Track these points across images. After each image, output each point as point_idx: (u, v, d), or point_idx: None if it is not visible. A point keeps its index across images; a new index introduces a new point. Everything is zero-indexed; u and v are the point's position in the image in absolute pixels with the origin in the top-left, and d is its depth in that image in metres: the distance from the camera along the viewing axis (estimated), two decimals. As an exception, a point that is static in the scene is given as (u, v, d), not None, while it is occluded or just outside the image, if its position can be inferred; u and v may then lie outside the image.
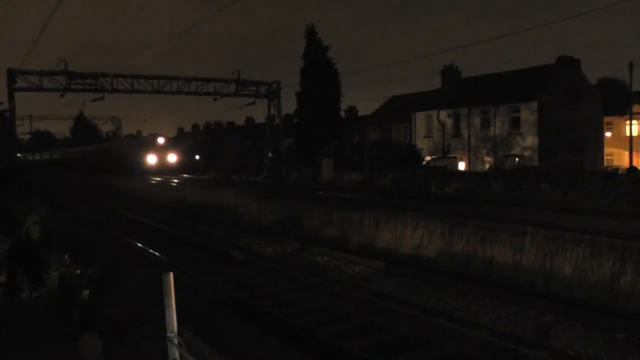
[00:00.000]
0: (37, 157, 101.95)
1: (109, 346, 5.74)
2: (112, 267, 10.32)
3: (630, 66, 36.90)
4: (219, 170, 48.20)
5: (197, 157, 57.05)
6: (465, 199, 21.78)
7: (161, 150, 50.38)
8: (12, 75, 38.53)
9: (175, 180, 39.24)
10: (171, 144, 52.79)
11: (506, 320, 7.57)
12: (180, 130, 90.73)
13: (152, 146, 50.53)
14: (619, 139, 46.81)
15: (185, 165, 51.79)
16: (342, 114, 50.90)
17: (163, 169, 47.73)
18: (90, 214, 21.84)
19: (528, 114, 38.62)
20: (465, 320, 7.56)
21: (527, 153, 38.07)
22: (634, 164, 37.92)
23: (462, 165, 41.44)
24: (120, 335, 6.57)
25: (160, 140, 51.68)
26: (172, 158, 50.64)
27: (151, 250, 12.82)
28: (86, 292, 6.63)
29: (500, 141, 40.23)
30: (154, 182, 38.34)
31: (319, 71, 45.72)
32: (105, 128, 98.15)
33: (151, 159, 49.18)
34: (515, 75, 42.08)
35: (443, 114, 44.57)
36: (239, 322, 7.70)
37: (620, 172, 28.26)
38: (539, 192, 20.83)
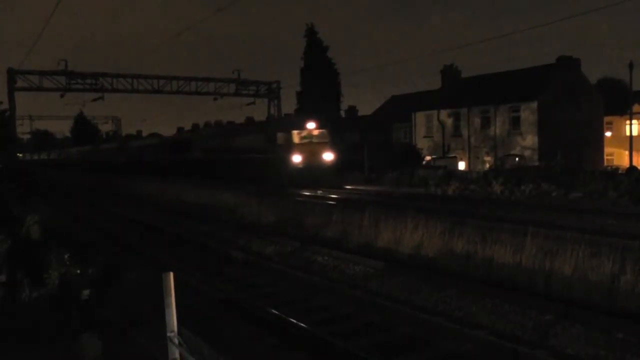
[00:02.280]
0: (52, 155, 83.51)
1: (109, 346, 5.74)
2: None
3: (630, 66, 36.89)
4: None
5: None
6: (465, 198, 21.78)
7: (312, 143, 28.02)
8: (12, 75, 38.60)
9: None
10: (327, 133, 29.50)
11: (506, 320, 7.56)
12: (181, 129, 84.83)
13: (294, 136, 28.09)
14: (619, 139, 46.81)
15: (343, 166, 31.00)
16: (342, 114, 50.97)
17: (313, 173, 26.99)
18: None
19: (528, 114, 38.63)
20: (465, 320, 7.56)
21: (527, 153, 38.07)
22: (634, 163, 37.90)
23: (462, 165, 41.44)
24: (120, 335, 6.57)
25: (311, 126, 28.51)
26: (328, 156, 28.13)
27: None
28: (86, 292, 6.63)
29: (500, 141, 40.23)
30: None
31: (319, 71, 45.80)
32: (105, 128, 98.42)
33: (296, 158, 27.07)
34: (515, 75, 42.09)
35: (443, 114, 44.58)
36: (238, 321, 7.70)
37: (620, 172, 28.23)
38: (539, 192, 20.82)
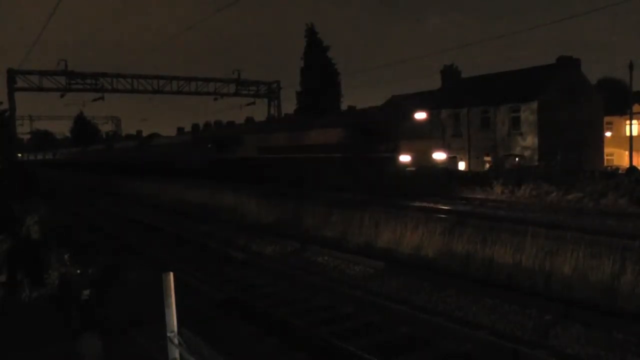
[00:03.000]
0: (59, 155, 76.68)
1: (109, 346, 5.74)
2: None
3: (630, 66, 36.90)
4: None
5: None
6: (465, 198, 21.76)
7: (420, 139, 22.03)
8: (12, 75, 38.62)
9: None
10: (434, 126, 23.96)
11: (506, 320, 7.57)
12: (181, 129, 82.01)
13: (400, 131, 21.72)
14: (619, 139, 46.81)
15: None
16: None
17: (424, 176, 21.14)
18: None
19: (528, 114, 38.63)
20: (465, 320, 7.56)
21: (527, 153, 38.07)
22: (634, 164, 37.92)
23: (462, 165, 41.45)
24: (120, 335, 6.57)
25: (421, 116, 22.61)
26: (439, 155, 22.45)
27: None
28: (86, 292, 6.63)
29: (500, 141, 40.24)
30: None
31: (319, 71, 45.78)
32: (105, 128, 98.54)
33: (404, 158, 21.11)
34: (515, 75, 42.10)
35: (443, 114, 44.57)
36: (238, 322, 7.70)
37: (620, 172, 28.24)
38: (539, 192, 20.80)
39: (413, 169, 20.61)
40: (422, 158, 21.13)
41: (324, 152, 23.34)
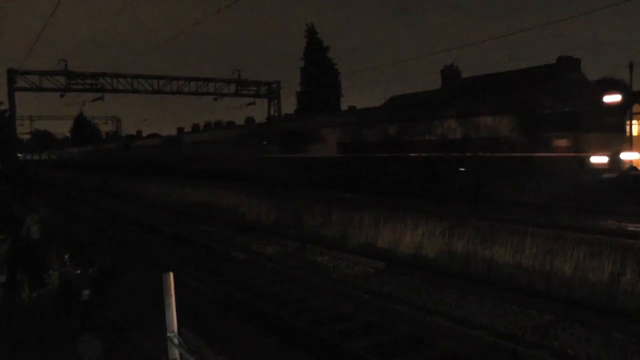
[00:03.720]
0: (64, 155, 73.00)
1: (109, 346, 5.74)
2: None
3: (630, 66, 36.88)
4: None
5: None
6: (466, 198, 21.72)
7: (610, 132, 16.00)
8: (12, 75, 38.62)
9: None
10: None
11: (506, 320, 7.57)
12: (181, 130, 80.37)
13: (588, 121, 15.75)
14: (619, 139, 46.78)
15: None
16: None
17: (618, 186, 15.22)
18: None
19: (528, 114, 38.59)
20: (465, 320, 7.56)
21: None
22: (634, 164, 37.89)
23: (462, 165, 41.26)
24: (120, 335, 6.57)
25: (614, 99, 16.37)
26: (630, 155, 17.39)
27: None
28: (86, 292, 6.63)
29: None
30: None
31: (319, 71, 45.78)
32: (105, 128, 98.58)
33: (597, 158, 15.20)
34: (515, 75, 42.01)
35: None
36: (239, 321, 7.70)
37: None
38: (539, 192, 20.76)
39: (613, 174, 15.09)
40: (614, 159, 15.71)
41: (454, 150, 18.42)
